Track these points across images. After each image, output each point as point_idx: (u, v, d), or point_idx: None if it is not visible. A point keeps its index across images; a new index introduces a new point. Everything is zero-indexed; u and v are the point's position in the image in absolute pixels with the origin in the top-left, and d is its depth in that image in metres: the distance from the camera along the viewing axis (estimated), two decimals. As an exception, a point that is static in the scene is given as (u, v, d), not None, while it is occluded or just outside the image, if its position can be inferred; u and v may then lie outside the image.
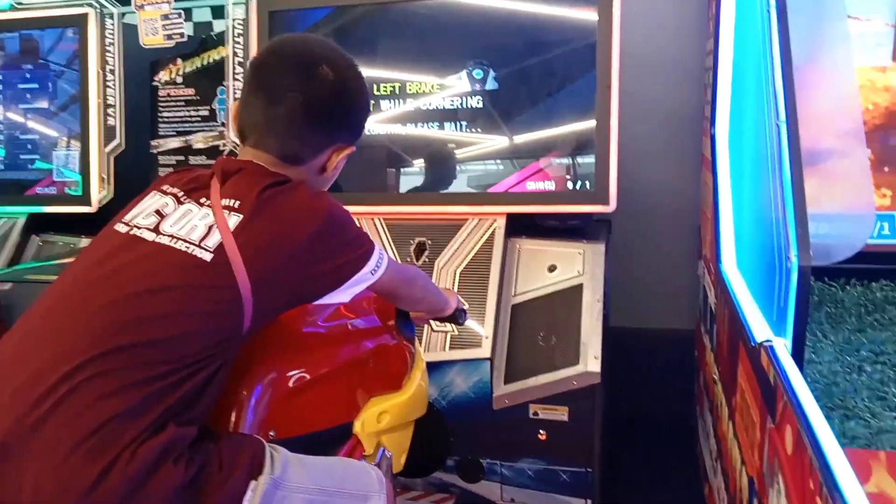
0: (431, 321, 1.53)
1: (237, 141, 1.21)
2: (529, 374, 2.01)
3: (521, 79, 2.21)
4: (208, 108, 2.59)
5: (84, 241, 2.57)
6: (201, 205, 1.06)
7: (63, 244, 2.63)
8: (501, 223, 2.21)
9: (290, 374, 1.24)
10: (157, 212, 1.07)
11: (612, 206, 2.11)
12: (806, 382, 1.09)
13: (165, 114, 2.64)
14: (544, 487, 2.04)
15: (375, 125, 2.32)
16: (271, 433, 1.18)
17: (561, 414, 1.99)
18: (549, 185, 2.19)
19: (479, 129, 2.25)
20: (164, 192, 1.11)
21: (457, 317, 1.48)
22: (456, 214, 2.24)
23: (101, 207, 2.56)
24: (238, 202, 1.05)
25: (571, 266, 2.12)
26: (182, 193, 1.09)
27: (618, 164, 2.10)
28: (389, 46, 2.34)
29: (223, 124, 2.57)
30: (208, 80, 2.58)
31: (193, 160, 2.62)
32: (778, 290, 1.31)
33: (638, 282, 2.90)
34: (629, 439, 2.56)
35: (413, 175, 2.34)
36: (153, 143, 2.65)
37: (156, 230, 1.04)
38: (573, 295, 2.08)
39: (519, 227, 2.26)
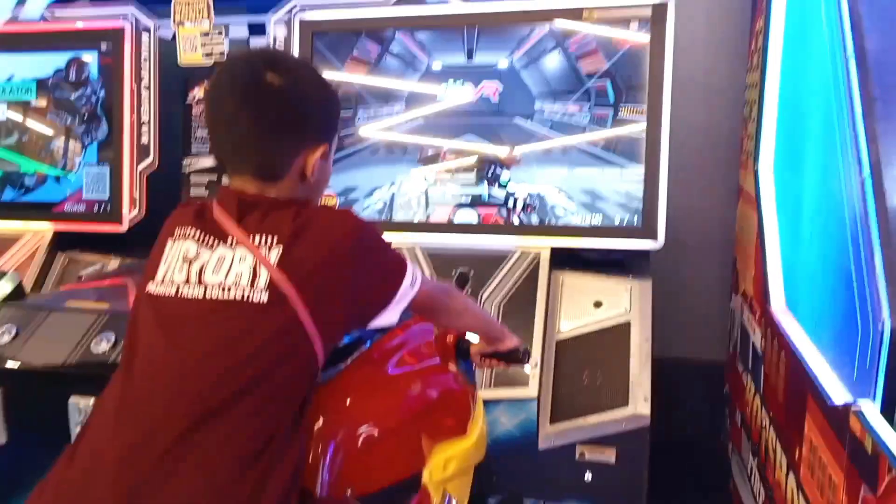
0: (496, 361, 1.48)
1: None
2: (576, 414, 1.98)
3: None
4: (243, 127, 2.54)
5: (113, 261, 2.52)
6: (231, 246, 1.04)
7: (90, 262, 2.57)
8: (546, 255, 2.18)
9: (361, 430, 1.21)
10: (185, 258, 1.06)
11: (660, 242, 2.09)
12: None
13: (199, 132, 2.59)
14: (588, 528, 2.00)
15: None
16: (348, 491, 1.15)
17: (608, 456, 1.96)
18: (596, 219, 2.16)
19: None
20: (179, 237, 1.09)
21: (521, 357, 1.44)
22: (500, 246, 2.21)
23: (132, 227, 2.51)
24: (273, 236, 1.03)
25: (618, 303, 2.09)
26: (200, 233, 1.07)
27: (667, 199, 2.08)
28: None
29: (258, 145, 2.53)
30: (244, 99, 2.54)
31: (226, 180, 2.57)
32: (862, 350, 1.28)
33: (664, 311, 2.87)
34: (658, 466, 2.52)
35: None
36: (185, 161, 2.61)
37: (200, 282, 1.03)
38: (620, 333, 2.05)
39: (560, 257, 2.24)
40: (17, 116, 2.62)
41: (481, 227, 2.25)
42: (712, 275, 2.91)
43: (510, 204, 2.23)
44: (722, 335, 2.85)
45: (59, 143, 2.59)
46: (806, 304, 1.76)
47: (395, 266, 1.11)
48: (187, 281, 1.03)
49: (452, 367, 1.44)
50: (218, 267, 1.03)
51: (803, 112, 1.86)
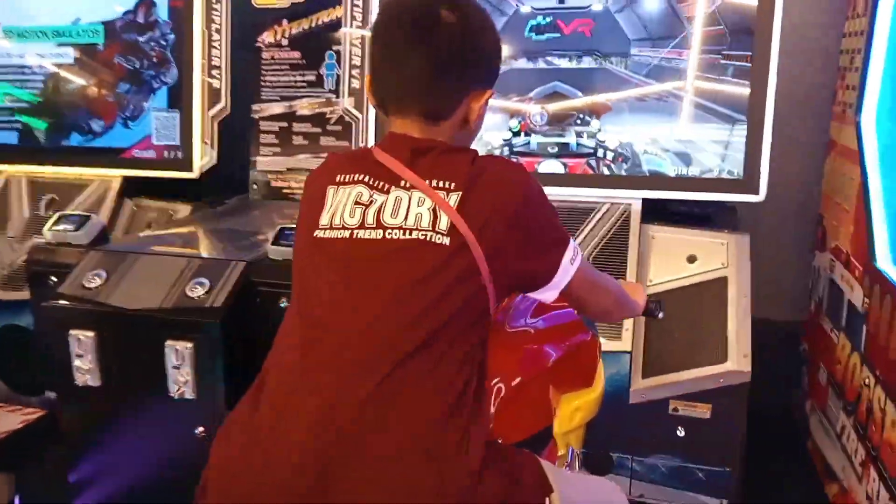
0: None
1: (379, 112, 1.10)
2: (670, 369, 1.93)
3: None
4: (315, 73, 2.47)
5: (182, 209, 2.48)
6: (406, 189, 1.00)
7: (158, 209, 2.53)
8: (637, 207, 2.11)
9: (509, 381, 1.18)
10: (356, 203, 1.01)
11: (762, 195, 2.01)
12: None
13: (269, 77, 2.52)
14: (677, 485, 1.98)
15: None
16: (499, 440, 1.12)
17: (703, 412, 1.92)
18: (692, 171, 2.08)
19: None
20: (344, 183, 1.03)
21: (652, 311, 1.39)
22: (589, 197, 2.14)
23: (203, 174, 2.46)
24: (451, 182, 0.99)
25: (714, 258, 2.02)
26: (370, 178, 1.02)
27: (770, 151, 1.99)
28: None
29: (331, 91, 2.46)
30: (316, 44, 2.46)
31: (297, 127, 2.51)
32: None
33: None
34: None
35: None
36: (255, 107, 2.54)
37: (379, 224, 0.99)
38: (716, 288, 1.99)
39: (646, 211, 2.16)
40: (85, 60, 2.56)
41: (568, 178, 2.17)
42: (790, 231, 2.82)
43: (600, 154, 2.15)
44: (795, 293, 2.78)
45: (126, 87, 2.53)
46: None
47: (559, 233, 1.06)
48: (362, 224, 0.99)
49: (581, 317, 1.39)
50: (396, 209, 0.98)
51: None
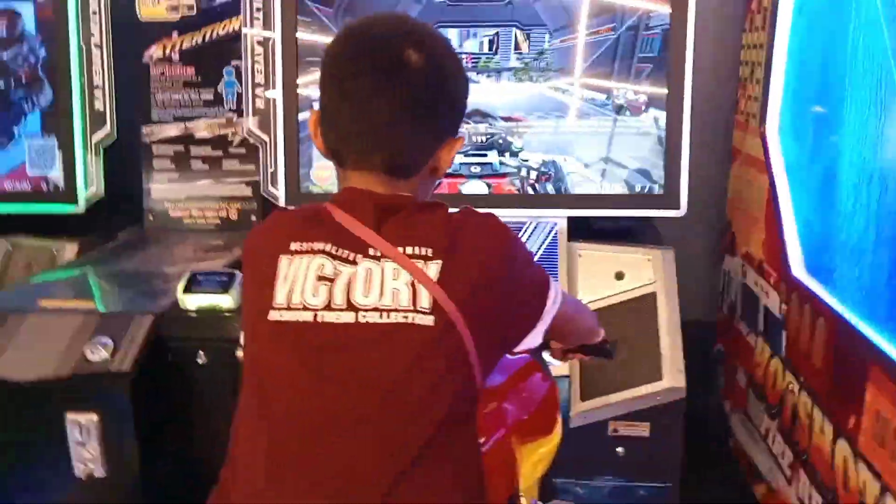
0: (580, 355, 1.39)
1: (333, 163, 0.95)
2: (607, 391, 1.92)
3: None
4: (212, 90, 2.27)
5: (68, 247, 2.20)
6: (376, 259, 0.88)
7: (39, 248, 2.24)
8: (563, 226, 2.08)
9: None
10: (319, 277, 0.87)
11: (683, 210, 2.03)
12: None
13: (160, 96, 2.29)
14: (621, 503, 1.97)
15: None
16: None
17: (642, 430, 1.92)
18: (616, 188, 2.07)
19: (536, 125, 2.09)
20: (301, 252, 0.90)
21: (609, 350, 1.34)
22: (514, 217, 2.08)
23: (90, 207, 2.20)
24: (427, 248, 0.88)
25: (641, 273, 2.03)
26: (333, 247, 0.89)
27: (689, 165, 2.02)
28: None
29: (232, 110, 2.27)
30: (212, 59, 2.26)
31: (196, 150, 2.30)
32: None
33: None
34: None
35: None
36: (146, 129, 2.30)
37: (350, 306, 0.86)
38: (646, 304, 1.99)
39: (570, 228, 2.14)
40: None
41: (493, 199, 2.11)
42: (697, 234, 2.91)
43: (523, 173, 2.10)
44: (704, 294, 2.87)
45: (-11, 111, 2.22)
46: (848, 273, 1.74)
47: (541, 280, 0.98)
48: (328, 305, 0.85)
49: (538, 360, 1.33)
50: (368, 286, 0.85)
51: (838, 73, 1.81)
